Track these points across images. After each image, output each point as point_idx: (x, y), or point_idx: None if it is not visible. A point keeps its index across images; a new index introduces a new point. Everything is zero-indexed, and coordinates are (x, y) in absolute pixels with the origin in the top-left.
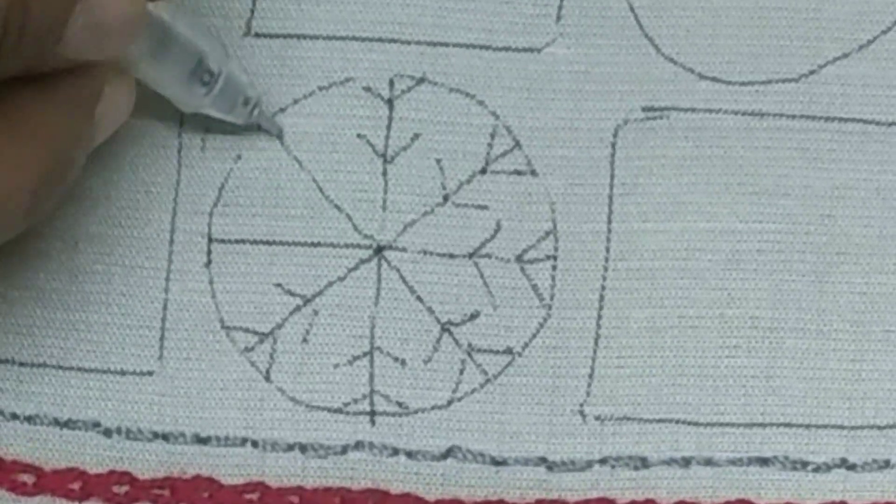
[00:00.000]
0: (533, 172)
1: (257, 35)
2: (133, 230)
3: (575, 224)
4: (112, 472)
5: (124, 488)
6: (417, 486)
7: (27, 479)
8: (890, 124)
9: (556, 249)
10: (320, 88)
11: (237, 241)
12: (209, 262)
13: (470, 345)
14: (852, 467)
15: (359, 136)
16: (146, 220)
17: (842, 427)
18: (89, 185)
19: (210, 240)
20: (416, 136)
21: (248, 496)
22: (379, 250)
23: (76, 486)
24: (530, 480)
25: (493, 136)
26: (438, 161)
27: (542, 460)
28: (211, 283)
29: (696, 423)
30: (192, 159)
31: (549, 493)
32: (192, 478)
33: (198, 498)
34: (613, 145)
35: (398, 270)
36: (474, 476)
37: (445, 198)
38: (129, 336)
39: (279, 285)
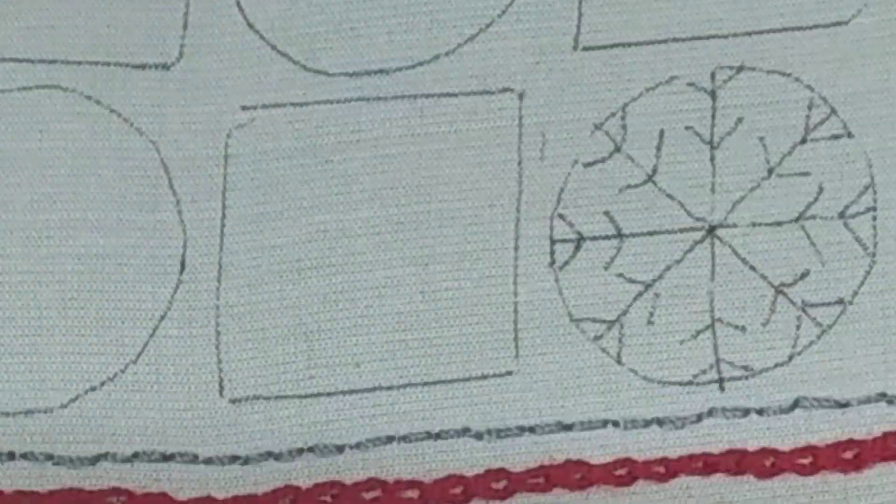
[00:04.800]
0: (849, 135)
1: (585, 48)
2: (479, 243)
3: (892, 175)
4: (489, 471)
5: (502, 483)
6: (772, 440)
7: (412, 494)
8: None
9: (875, 201)
10: (647, 90)
11: (577, 240)
12: (553, 262)
13: (803, 301)
14: None
15: (686, 128)
16: (491, 231)
17: None
18: (434, 210)
19: (552, 241)
20: (740, 119)
21: (617, 473)
22: (711, 230)
23: (458, 490)
24: (874, 416)
25: (809, 107)
26: (761, 139)
27: (883, 396)
28: (556, 280)
29: None
30: (532, 169)
31: (893, 425)
32: (562, 463)
33: (570, 480)
34: None
35: (730, 246)
36: (823, 421)
37: (770, 171)
38: (485, 342)
39: (620, 275)
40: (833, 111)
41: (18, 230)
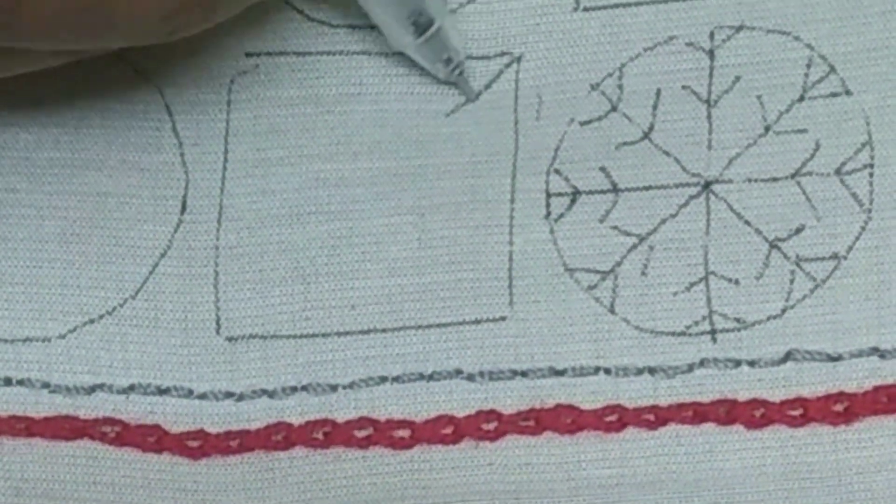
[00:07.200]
0: (847, 92)
1: (586, 9)
2: (475, 195)
3: (889, 133)
4: (480, 412)
5: (493, 424)
6: (762, 392)
7: (403, 434)
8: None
9: (872, 158)
10: (645, 49)
11: (573, 193)
12: (548, 214)
13: (798, 256)
14: None
15: (683, 87)
16: (487, 184)
17: None
18: (432, 164)
19: (548, 195)
20: (737, 78)
21: (607, 419)
22: (706, 185)
23: (448, 430)
24: (865, 370)
25: (808, 65)
26: (759, 97)
27: (875, 350)
28: (552, 231)
29: None
30: (528, 128)
31: (884, 380)
32: (553, 407)
33: (560, 424)
34: None
35: (725, 201)
36: (814, 374)
37: (767, 129)
38: (480, 288)
39: (615, 228)
40: (832, 69)
41: (24, 167)
